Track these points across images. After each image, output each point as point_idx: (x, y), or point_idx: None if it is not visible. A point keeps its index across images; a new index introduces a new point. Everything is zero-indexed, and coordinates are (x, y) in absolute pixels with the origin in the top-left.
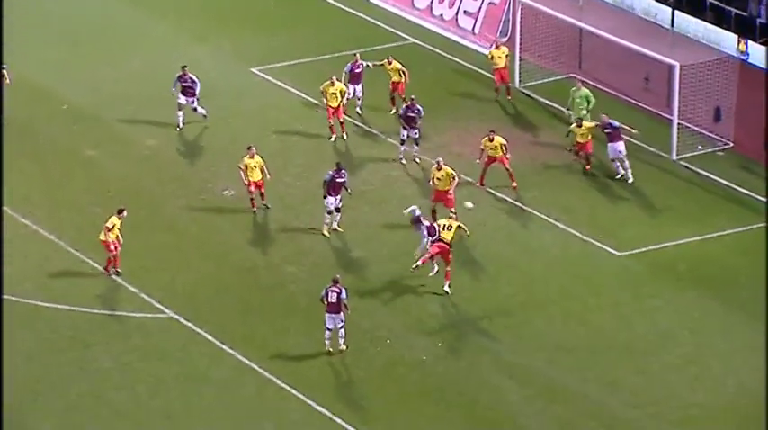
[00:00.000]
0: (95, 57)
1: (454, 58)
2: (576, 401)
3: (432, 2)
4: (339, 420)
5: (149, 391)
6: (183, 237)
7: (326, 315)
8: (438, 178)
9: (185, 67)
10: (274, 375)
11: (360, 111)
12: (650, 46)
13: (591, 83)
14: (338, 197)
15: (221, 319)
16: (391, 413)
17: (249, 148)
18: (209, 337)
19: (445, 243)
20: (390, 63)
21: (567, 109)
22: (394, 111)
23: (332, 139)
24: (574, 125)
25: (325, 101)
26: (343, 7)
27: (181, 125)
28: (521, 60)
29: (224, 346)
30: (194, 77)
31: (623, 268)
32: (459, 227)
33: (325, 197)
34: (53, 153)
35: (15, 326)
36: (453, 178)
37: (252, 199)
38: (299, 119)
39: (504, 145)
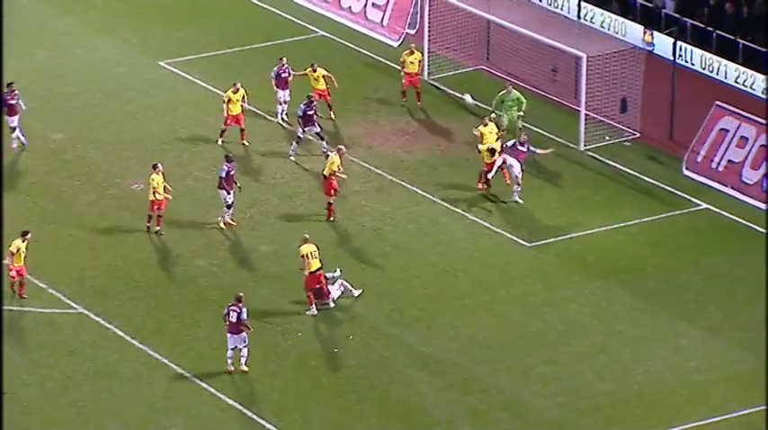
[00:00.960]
0: None
1: (363, 51)
2: (487, 392)
3: None
4: (250, 413)
5: (59, 388)
6: (91, 232)
7: (228, 334)
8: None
9: (11, 84)
10: (185, 370)
11: (285, 119)
12: (557, 37)
13: (499, 74)
14: (232, 191)
15: (131, 314)
16: (303, 406)
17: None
18: (119, 333)
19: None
20: (315, 70)
21: (493, 112)
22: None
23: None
24: (482, 126)
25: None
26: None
27: (20, 146)
28: (429, 53)
29: (134, 341)
30: (19, 96)
31: (533, 259)
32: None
33: (221, 190)
34: None
35: None
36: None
37: (149, 216)
38: (209, 112)
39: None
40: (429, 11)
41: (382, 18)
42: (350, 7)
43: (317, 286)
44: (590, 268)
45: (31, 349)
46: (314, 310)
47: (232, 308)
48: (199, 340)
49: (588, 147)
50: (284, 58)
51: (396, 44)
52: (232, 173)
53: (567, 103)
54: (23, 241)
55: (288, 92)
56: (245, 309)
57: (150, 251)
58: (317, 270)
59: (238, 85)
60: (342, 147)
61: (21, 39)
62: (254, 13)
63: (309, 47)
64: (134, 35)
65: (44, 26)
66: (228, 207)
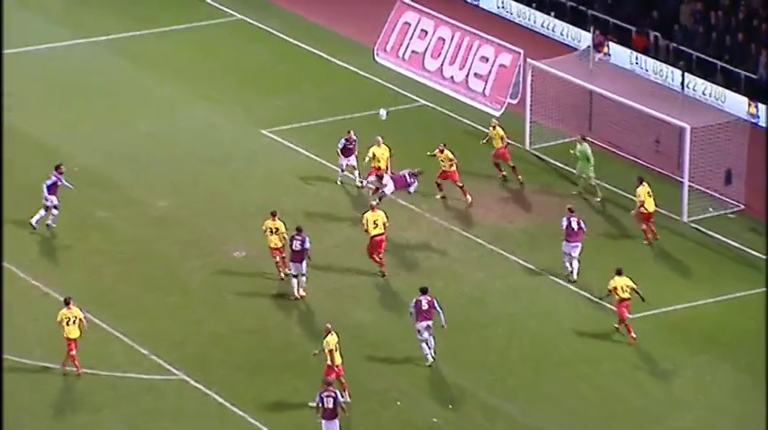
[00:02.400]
0: (106, 118)
1: (464, 120)
2: None
3: (442, 64)
4: None
5: None
6: (193, 299)
7: (322, 421)
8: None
9: (60, 165)
10: None
11: (361, 184)
12: (661, 108)
13: (601, 145)
14: (301, 263)
15: (232, 381)
16: None
17: (273, 214)
18: (220, 399)
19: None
20: (442, 152)
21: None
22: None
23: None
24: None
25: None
26: (352, 68)
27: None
28: (531, 122)
29: (234, 408)
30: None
31: (635, 331)
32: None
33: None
34: (65, 215)
35: (25, 388)
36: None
37: (277, 263)
38: (311, 180)
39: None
40: (531, 81)
41: (484, 88)
42: (452, 77)
43: (336, 378)
44: (693, 341)
45: (132, 415)
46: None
47: (326, 394)
48: (298, 407)
49: (691, 219)
50: (351, 131)
51: (497, 113)
52: (302, 246)
53: (670, 175)
54: (68, 310)
55: (353, 158)
56: (338, 393)
57: (250, 318)
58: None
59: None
60: (372, 203)
61: (126, 106)
62: (356, 81)
63: (411, 116)
64: (237, 103)
65: (149, 94)
66: (295, 277)
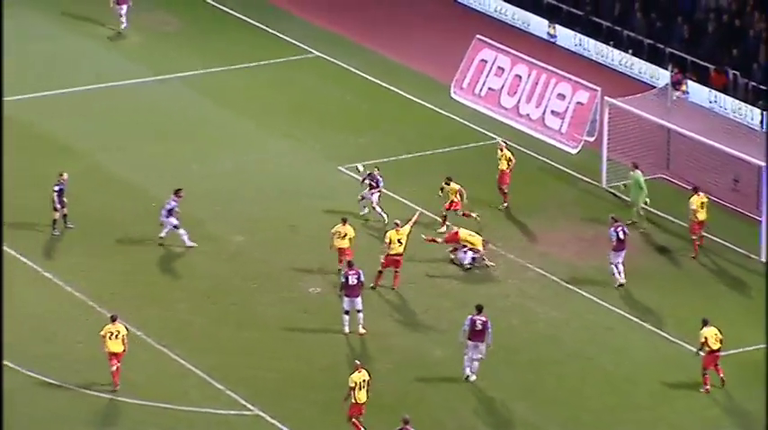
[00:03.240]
0: (184, 154)
1: (541, 157)
2: None
3: (519, 101)
4: None
5: None
6: (269, 334)
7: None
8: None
9: (179, 190)
10: None
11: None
12: (739, 147)
13: (679, 183)
14: (356, 298)
15: (307, 417)
16: None
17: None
18: None
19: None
20: (449, 184)
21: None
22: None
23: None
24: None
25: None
26: (429, 105)
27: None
28: (608, 160)
29: None
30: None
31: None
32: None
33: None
34: (142, 249)
35: (99, 422)
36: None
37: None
38: (389, 217)
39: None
40: (608, 118)
41: (561, 125)
42: (528, 114)
43: (359, 416)
44: None
45: None
46: None
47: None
48: None
49: None
50: (377, 169)
51: (574, 151)
52: (358, 280)
53: (748, 214)
54: (113, 324)
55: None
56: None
57: (326, 353)
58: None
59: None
60: (397, 221)
61: (205, 143)
62: (432, 118)
63: (487, 153)
64: (315, 140)
65: (228, 130)
66: (347, 313)
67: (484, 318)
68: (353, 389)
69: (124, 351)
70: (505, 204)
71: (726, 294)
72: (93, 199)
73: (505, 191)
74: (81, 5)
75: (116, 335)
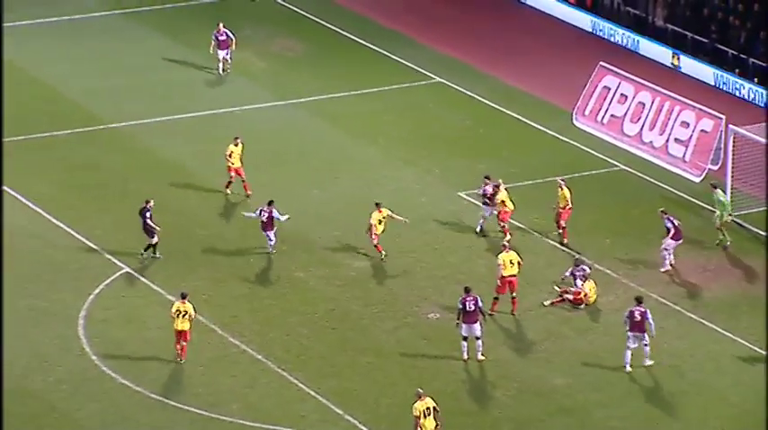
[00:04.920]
0: (304, 178)
1: (664, 186)
2: None
3: (642, 128)
4: None
5: None
6: (388, 360)
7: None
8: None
9: (272, 201)
10: None
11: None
12: None
13: None
14: (474, 325)
15: None
16: None
17: None
18: None
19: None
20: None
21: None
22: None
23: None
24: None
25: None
26: (550, 132)
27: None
28: (732, 189)
29: None
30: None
31: None
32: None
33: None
34: (263, 274)
35: None
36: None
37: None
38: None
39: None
40: (733, 147)
41: (684, 153)
42: (651, 142)
43: None
44: None
45: None
46: None
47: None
48: None
49: None
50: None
51: (698, 180)
52: (476, 305)
53: None
54: (183, 302)
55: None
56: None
57: (445, 379)
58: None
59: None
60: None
61: (325, 167)
62: (554, 145)
63: (609, 180)
64: (436, 166)
65: (348, 155)
66: (465, 339)
67: (642, 309)
68: (418, 418)
69: (190, 328)
70: (565, 241)
71: None
72: (215, 222)
73: (564, 226)
74: (205, 33)
75: (184, 314)
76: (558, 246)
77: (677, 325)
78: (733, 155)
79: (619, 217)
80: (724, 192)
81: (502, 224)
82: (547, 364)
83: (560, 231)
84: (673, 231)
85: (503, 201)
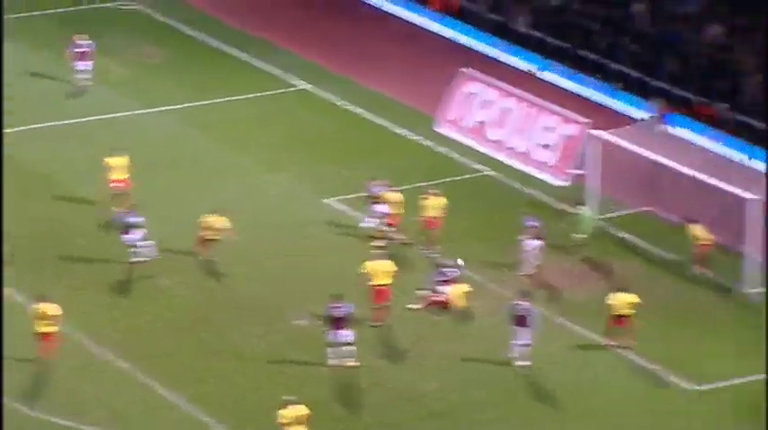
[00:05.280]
0: (170, 188)
1: (529, 191)
2: None
3: (506, 134)
4: None
5: None
6: (256, 365)
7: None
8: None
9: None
10: None
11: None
12: (726, 180)
13: (667, 216)
14: (343, 331)
15: None
16: None
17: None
18: None
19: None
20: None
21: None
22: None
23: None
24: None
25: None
26: (414, 137)
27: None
28: (596, 193)
29: None
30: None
31: (702, 405)
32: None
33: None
34: (128, 281)
35: None
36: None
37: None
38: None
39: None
40: (596, 152)
41: (549, 158)
42: (516, 148)
43: None
44: (760, 416)
45: None
46: None
47: (337, 305)
48: None
49: (756, 291)
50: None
51: (563, 184)
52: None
53: (734, 246)
54: (45, 306)
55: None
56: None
57: (315, 386)
58: None
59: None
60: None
61: (190, 176)
62: (418, 151)
63: (475, 185)
64: (300, 172)
65: (213, 163)
66: (333, 345)
67: (527, 304)
68: (284, 425)
69: (53, 333)
70: (433, 247)
71: (713, 326)
72: (76, 231)
73: (434, 234)
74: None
75: (46, 317)
76: (425, 251)
77: (543, 328)
78: (596, 159)
79: (485, 222)
80: (584, 206)
81: (384, 229)
82: (417, 369)
83: (424, 239)
84: (534, 235)
85: (390, 205)
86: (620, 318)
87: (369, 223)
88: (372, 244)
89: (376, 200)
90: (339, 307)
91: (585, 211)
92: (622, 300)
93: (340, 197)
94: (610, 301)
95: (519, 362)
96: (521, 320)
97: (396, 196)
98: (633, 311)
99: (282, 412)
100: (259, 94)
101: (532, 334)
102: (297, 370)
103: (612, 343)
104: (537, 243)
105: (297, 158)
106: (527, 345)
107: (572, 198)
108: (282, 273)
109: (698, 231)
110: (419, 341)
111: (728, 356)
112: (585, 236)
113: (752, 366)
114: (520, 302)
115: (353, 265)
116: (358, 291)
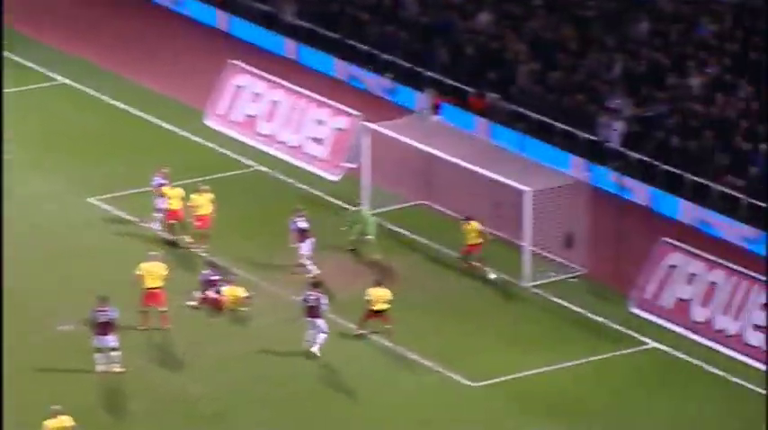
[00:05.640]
0: None
1: (302, 186)
2: None
3: (276, 127)
4: None
5: None
6: (21, 376)
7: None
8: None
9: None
10: None
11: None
12: (500, 171)
13: (441, 209)
14: (106, 337)
15: None
16: None
17: None
18: None
19: None
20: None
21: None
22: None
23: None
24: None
25: None
26: (183, 133)
27: None
28: (370, 187)
29: None
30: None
31: (477, 400)
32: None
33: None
34: None
35: None
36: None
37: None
38: (136, 248)
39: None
40: (368, 144)
41: (321, 152)
42: (287, 141)
43: None
44: (535, 409)
45: None
46: None
47: (101, 310)
48: None
49: (533, 284)
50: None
51: (336, 179)
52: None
53: (511, 239)
54: None
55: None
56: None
57: (80, 394)
58: None
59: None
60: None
61: None
62: (187, 147)
63: (246, 181)
64: (64, 170)
65: None
66: (98, 351)
67: (317, 294)
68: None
69: None
70: (202, 245)
71: (490, 320)
72: None
73: (202, 232)
74: None
75: None
76: (196, 250)
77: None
78: (369, 152)
79: (258, 219)
80: (364, 207)
81: (163, 226)
82: (189, 372)
83: (188, 238)
84: (300, 234)
85: (171, 200)
86: (376, 313)
87: (146, 222)
88: (153, 245)
89: (161, 195)
90: (105, 311)
91: (367, 213)
92: (378, 295)
93: (106, 196)
94: (367, 297)
95: (314, 349)
96: (312, 311)
97: (177, 191)
98: (388, 306)
99: (47, 423)
100: (18, 89)
101: (325, 324)
102: (62, 378)
103: (364, 332)
104: (309, 241)
105: (60, 156)
106: (323, 333)
107: (350, 197)
108: (42, 277)
109: (473, 226)
110: (192, 344)
111: (505, 351)
112: (371, 237)
113: (530, 361)
114: (311, 293)
115: (124, 267)
116: (127, 294)
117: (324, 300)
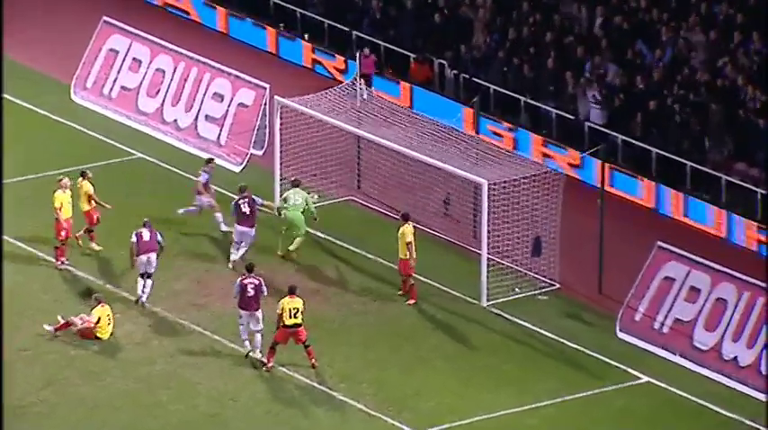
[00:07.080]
0: None
1: (193, 177)
2: None
3: (162, 104)
4: None
5: None
6: None
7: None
8: None
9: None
10: None
11: None
12: (449, 158)
13: (372, 206)
14: None
15: None
16: None
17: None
18: None
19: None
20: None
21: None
22: None
23: None
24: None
25: None
26: (43, 112)
27: None
28: (282, 179)
29: None
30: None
31: None
32: None
33: None
34: None
35: None
36: None
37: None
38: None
39: None
40: (280, 124)
41: (219, 135)
42: (176, 120)
43: None
44: None
45: None
46: None
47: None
48: None
49: (492, 303)
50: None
51: (238, 168)
52: None
53: (465, 245)
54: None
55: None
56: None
57: None
58: None
59: None
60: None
61: None
62: (52, 128)
63: (123, 172)
64: None
65: None
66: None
67: (257, 281)
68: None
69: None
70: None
71: (439, 350)
72: None
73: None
74: None
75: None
76: (57, 263)
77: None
78: (281, 136)
79: (139, 215)
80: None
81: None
82: (46, 419)
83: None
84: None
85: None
86: (290, 329)
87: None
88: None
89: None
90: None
91: (294, 208)
92: (292, 306)
93: None
94: (278, 310)
95: (257, 354)
96: (251, 302)
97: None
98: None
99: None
100: None
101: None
102: None
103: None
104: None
105: None
106: (259, 332)
107: (257, 192)
108: None
109: (408, 229)
110: (48, 384)
111: (457, 391)
112: (301, 233)
113: (488, 402)
114: (249, 280)
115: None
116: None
117: (264, 287)
